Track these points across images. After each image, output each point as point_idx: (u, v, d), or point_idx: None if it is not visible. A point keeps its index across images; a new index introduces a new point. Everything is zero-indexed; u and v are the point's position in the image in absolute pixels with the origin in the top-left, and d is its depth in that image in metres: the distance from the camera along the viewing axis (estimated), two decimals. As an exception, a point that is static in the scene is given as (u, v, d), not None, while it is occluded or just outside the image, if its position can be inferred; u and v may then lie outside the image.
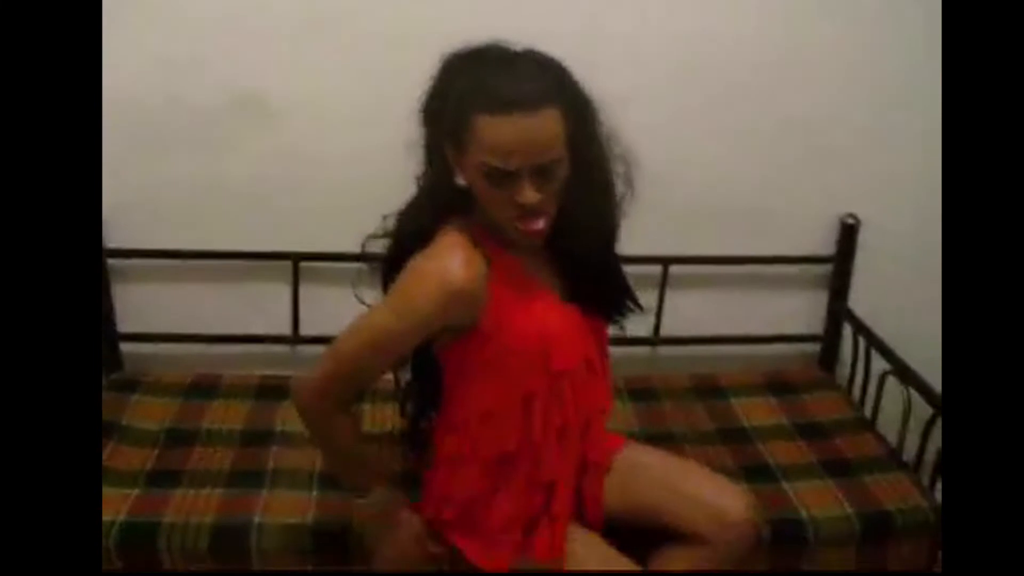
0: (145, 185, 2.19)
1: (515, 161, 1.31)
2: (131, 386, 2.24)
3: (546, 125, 1.32)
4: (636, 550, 1.63)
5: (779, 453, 2.07)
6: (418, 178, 1.54)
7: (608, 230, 1.57)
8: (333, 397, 1.50)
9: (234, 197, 2.22)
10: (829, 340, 2.46)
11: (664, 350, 2.47)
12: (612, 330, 2.41)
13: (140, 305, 2.31)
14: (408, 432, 1.75)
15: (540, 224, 1.39)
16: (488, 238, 1.46)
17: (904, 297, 2.31)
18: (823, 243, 2.39)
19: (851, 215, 2.34)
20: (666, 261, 2.34)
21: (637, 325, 2.39)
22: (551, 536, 1.57)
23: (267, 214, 2.24)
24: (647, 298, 2.36)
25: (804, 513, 1.85)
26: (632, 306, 1.70)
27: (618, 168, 1.51)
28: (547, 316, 1.50)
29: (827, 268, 2.41)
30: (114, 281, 2.28)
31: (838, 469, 2.01)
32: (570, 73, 1.39)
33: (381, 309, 1.46)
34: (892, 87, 2.24)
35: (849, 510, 1.86)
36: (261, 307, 2.32)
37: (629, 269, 2.32)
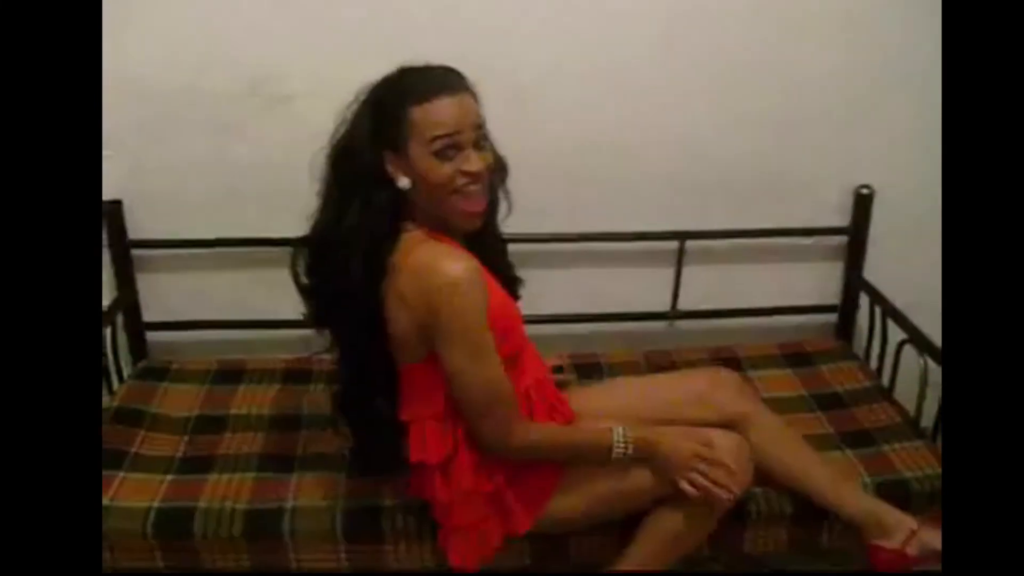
0: (164, 172, 2.21)
1: (457, 126, 1.47)
2: (158, 374, 2.28)
3: (470, 103, 1.51)
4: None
5: (797, 424, 2.07)
6: (325, 219, 1.66)
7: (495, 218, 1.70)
8: (516, 421, 1.59)
9: (253, 183, 2.23)
10: (845, 310, 2.48)
11: (682, 324, 2.50)
12: (630, 305, 2.45)
13: (164, 294, 2.34)
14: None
15: (482, 204, 1.55)
16: (439, 233, 1.57)
17: (920, 266, 2.32)
18: (838, 214, 2.40)
19: (865, 186, 2.34)
20: (683, 236, 2.36)
21: (655, 300, 2.42)
22: None
23: (287, 199, 2.25)
24: (665, 274, 2.40)
25: (824, 482, 1.87)
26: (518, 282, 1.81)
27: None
28: (503, 296, 1.64)
29: (842, 239, 2.43)
30: (138, 271, 2.31)
31: (856, 439, 2.03)
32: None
33: (463, 334, 1.51)
34: (909, 58, 2.24)
35: (867, 479, 1.88)
36: (284, 293, 2.35)
37: (647, 245, 2.35)
